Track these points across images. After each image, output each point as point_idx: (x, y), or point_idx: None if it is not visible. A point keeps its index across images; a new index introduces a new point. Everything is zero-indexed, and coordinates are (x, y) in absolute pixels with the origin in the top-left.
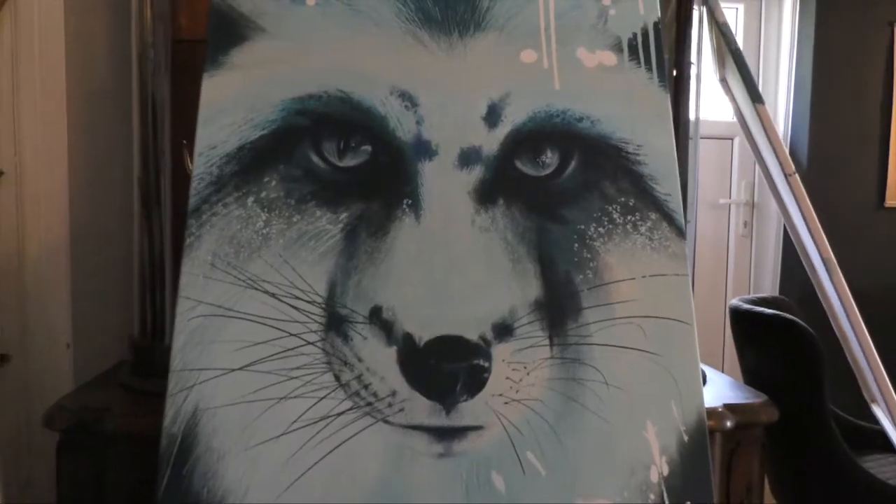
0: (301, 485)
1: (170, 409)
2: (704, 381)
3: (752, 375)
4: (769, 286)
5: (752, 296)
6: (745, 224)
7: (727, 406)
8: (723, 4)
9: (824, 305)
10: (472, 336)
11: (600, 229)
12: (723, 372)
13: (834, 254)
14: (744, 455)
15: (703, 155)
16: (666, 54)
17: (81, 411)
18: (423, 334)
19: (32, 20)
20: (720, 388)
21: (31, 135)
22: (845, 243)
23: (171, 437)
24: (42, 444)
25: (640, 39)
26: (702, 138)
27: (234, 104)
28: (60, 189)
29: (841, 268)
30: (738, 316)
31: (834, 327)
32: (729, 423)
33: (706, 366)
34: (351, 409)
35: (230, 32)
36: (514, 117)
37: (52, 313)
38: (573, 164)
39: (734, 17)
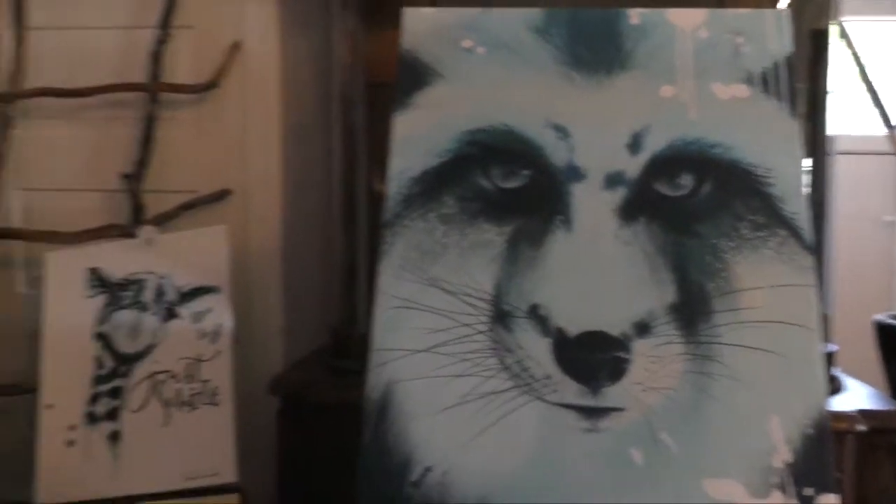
0: (473, 446)
1: (370, 380)
2: (841, 389)
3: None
4: None
5: None
6: None
7: (861, 412)
8: (879, 18)
9: None
10: (615, 332)
11: (731, 244)
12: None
13: None
14: (877, 458)
15: (865, 171)
16: (799, 81)
17: (295, 384)
18: (572, 329)
19: (256, 68)
20: (859, 397)
21: (253, 161)
22: None
23: (371, 403)
24: (259, 412)
25: (770, 73)
26: (862, 154)
27: (418, 138)
28: (275, 205)
29: None
30: (881, 329)
31: None
32: (861, 427)
33: (848, 376)
34: (512, 387)
35: (414, 79)
36: (653, 145)
37: (268, 306)
38: (707, 186)
39: (891, 31)
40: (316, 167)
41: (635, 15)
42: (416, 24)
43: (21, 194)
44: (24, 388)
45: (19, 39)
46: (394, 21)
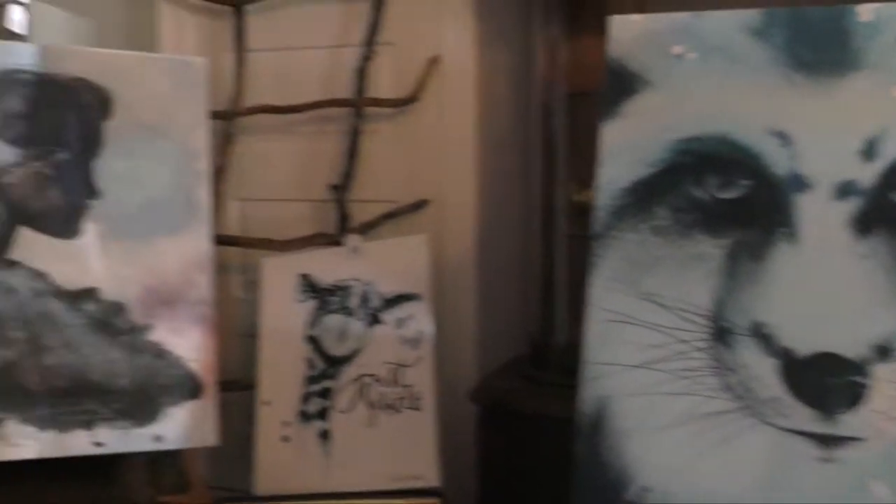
0: (694, 468)
1: (583, 393)
2: None
3: None
4: None
5: None
6: None
7: None
8: None
9: None
10: (851, 354)
11: None
12: None
13: None
14: None
15: None
16: None
17: (497, 392)
18: (801, 349)
19: (454, 81)
20: None
21: (450, 171)
22: None
23: (585, 416)
24: (454, 418)
25: None
26: None
27: (627, 147)
28: (471, 214)
29: None
30: None
31: None
32: None
33: None
34: (735, 409)
35: (622, 87)
36: (891, 152)
37: (463, 314)
38: None
39: None
40: (513, 177)
41: (866, 11)
42: (624, 32)
43: (238, 204)
44: (243, 385)
45: (240, 61)
46: (594, 29)
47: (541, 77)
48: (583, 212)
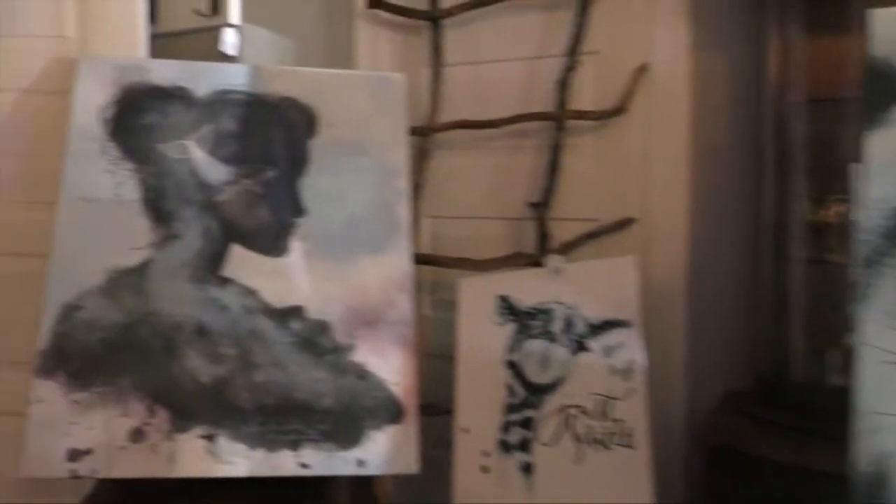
0: None
1: (859, 447)
2: None
3: None
4: None
5: None
6: None
7: None
8: None
9: None
10: None
11: None
12: None
13: None
14: None
15: None
16: None
17: (725, 433)
18: None
19: (663, 90)
20: None
21: (657, 187)
22: None
23: (860, 475)
24: (661, 455)
25: None
26: None
27: None
28: (681, 234)
29: None
30: None
31: None
32: None
33: None
34: None
35: (890, 91)
36: None
37: (669, 342)
38: None
39: None
40: (732, 193)
41: None
42: (889, 27)
43: (429, 222)
44: (440, 410)
45: (436, 76)
46: (837, 27)
47: (772, 82)
48: (819, 232)
